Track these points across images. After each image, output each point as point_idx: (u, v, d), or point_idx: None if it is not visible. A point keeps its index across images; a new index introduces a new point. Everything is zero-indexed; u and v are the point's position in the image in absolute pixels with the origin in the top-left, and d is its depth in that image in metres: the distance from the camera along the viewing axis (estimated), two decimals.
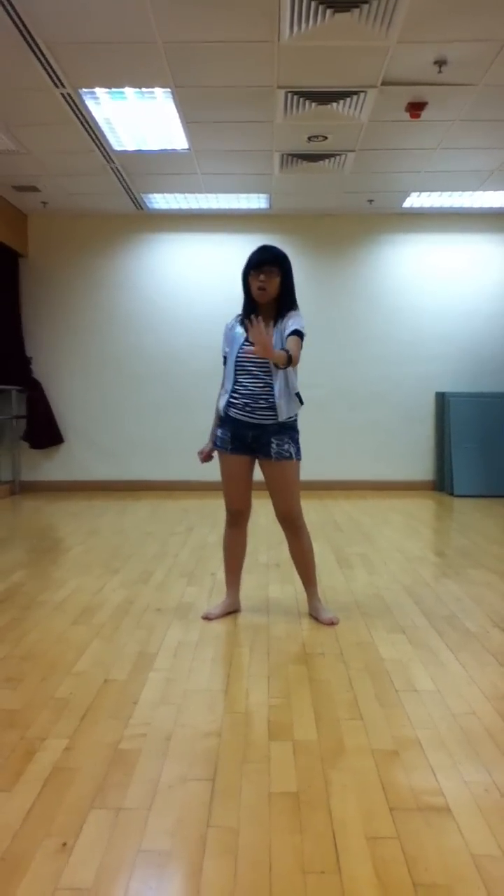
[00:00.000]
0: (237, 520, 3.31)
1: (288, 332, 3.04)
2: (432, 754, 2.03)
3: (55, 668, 2.70)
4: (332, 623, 3.21)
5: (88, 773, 1.93)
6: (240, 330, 3.17)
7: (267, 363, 3.07)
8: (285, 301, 3.12)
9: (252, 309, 3.14)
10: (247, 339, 3.11)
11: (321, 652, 2.86)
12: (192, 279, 7.82)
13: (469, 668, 2.69)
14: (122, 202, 7.26)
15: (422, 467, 7.96)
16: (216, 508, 6.42)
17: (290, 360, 2.94)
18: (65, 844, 1.63)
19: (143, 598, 3.64)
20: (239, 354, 3.12)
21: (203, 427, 7.54)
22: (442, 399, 7.75)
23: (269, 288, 3.05)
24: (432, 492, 7.79)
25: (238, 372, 3.13)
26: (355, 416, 7.86)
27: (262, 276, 3.03)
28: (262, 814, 1.74)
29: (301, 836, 1.65)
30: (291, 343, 3.00)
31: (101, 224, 7.80)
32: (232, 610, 3.36)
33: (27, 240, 7.81)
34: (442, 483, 7.79)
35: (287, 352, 2.94)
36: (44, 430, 7.74)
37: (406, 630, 3.14)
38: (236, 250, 7.61)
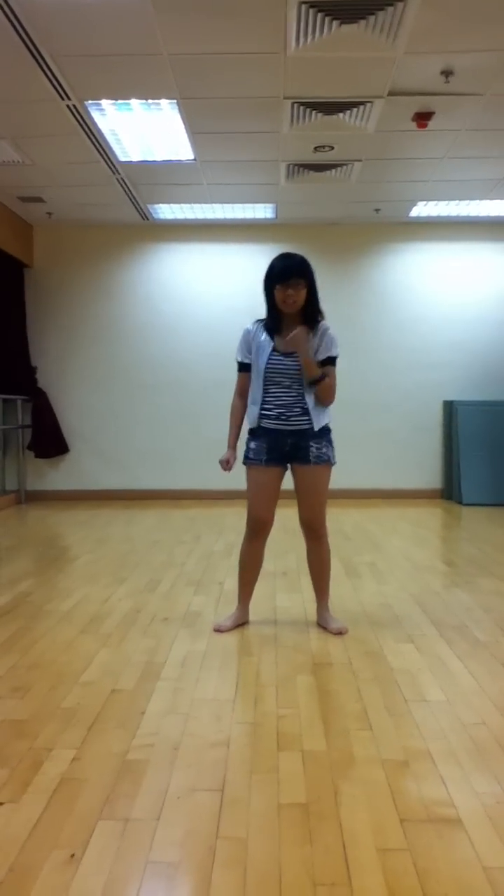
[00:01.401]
0: (260, 532, 3.25)
1: (326, 356, 3.06)
2: (443, 765, 2.01)
3: (63, 677, 2.69)
4: (340, 633, 3.19)
5: (96, 784, 1.92)
6: (265, 338, 3.10)
7: (299, 375, 3.04)
8: (312, 307, 3.08)
9: (277, 319, 3.10)
10: (274, 349, 3.07)
11: (330, 662, 2.85)
12: (198, 289, 7.84)
13: (479, 677, 2.67)
14: (128, 213, 7.29)
15: (430, 476, 7.94)
16: (223, 517, 6.41)
17: (322, 383, 3.01)
18: (73, 856, 1.62)
19: (151, 608, 3.63)
20: (269, 365, 3.07)
21: (210, 435, 7.61)
22: (450, 407, 7.74)
23: (298, 300, 3.01)
24: (441, 500, 7.77)
25: (268, 383, 3.09)
26: (363, 425, 7.85)
27: (289, 291, 2.98)
28: (272, 825, 1.73)
29: (311, 848, 1.64)
30: (332, 376, 3.07)
31: (107, 234, 7.84)
32: (242, 622, 3.34)
33: (33, 250, 7.85)
34: (450, 492, 7.76)
35: (324, 374, 3.02)
36: (49, 440, 7.75)
37: (415, 639, 3.12)
38: (243, 260, 7.63)
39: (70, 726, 2.27)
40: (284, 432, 3.09)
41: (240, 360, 3.20)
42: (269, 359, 3.07)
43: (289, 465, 3.19)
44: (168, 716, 2.35)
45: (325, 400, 3.09)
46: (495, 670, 2.74)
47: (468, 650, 2.98)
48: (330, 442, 3.15)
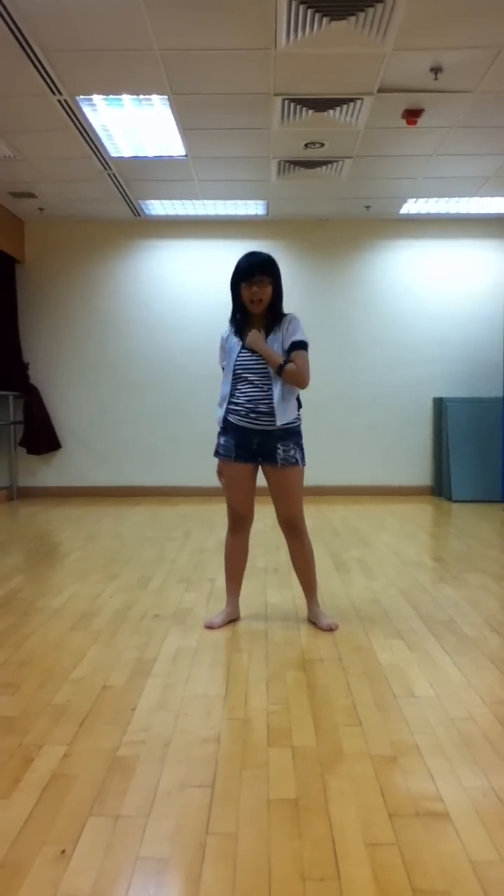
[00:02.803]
0: (241, 526, 3.30)
1: (290, 341, 3.06)
2: (431, 760, 2.03)
3: (53, 674, 2.69)
4: (330, 628, 3.21)
5: (87, 780, 1.93)
6: (235, 340, 3.16)
7: (266, 371, 3.07)
8: (277, 307, 3.12)
9: (245, 319, 3.14)
10: (243, 347, 3.11)
11: (320, 657, 2.86)
12: (189, 285, 7.83)
13: (467, 672, 2.69)
14: (120, 208, 7.27)
15: (419, 472, 7.97)
16: (213, 514, 6.42)
17: (286, 369, 3.00)
18: (63, 852, 1.62)
19: (142, 604, 3.63)
20: (237, 363, 3.12)
21: (200, 431, 7.62)
22: (439, 404, 7.76)
23: (263, 298, 3.05)
24: (430, 496, 7.80)
25: (236, 380, 3.13)
26: (352, 421, 7.87)
27: (254, 288, 3.02)
28: (262, 820, 1.74)
29: (300, 843, 1.65)
30: (299, 360, 3.05)
31: (99, 230, 7.82)
32: (233, 618, 3.35)
33: (24, 246, 7.82)
34: (440, 488, 7.79)
35: (285, 360, 3.00)
36: (41, 436, 7.73)
37: (404, 635, 3.14)
38: (233, 256, 7.49)
39: (60, 723, 2.28)
40: (251, 431, 3.11)
41: (220, 364, 3.25)
42: (238, 356, 3.12)
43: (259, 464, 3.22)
44: (158, 712, 2.36)
45: (296, 384, 3.07)
46: (483, 665, 2.77)
47: (456, 645, 3.00)
48: (298, 444, 3.16)
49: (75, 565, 4.52)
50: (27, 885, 1.51)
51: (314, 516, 6.35)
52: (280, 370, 3.03)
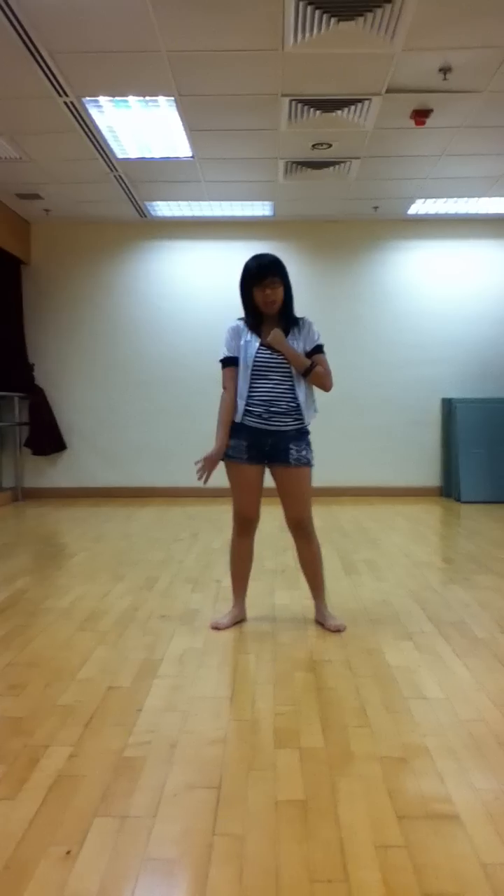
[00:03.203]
0: (247, 529, 3.28)
1: (313, 345, 3.12)
2: (441, 761, 2.01)
3: (60, 674, 2.68)
4: (338, 630, 3.19)
5: (93, 781, 1.92)
6: (250, 336, 3.11)
7: (288, 370, 3.06)
8: (289, 308, 3.13)
9: (257, 320, 3.12)
10: (261, 345, 3.08)
11: (328, 659, 2.84)
12: (195, 286, 7.83)
13: (477, 674, 2.67)
14: (126, 210, 7.28)
15: (428, 473, 7.94)
16: (221, 514, 6.40)
17: (314, 371, 3.06)
18: (69, 852, 1.61)
19: (149, 605, 3.62)
20: (256, 360, 3.08)
21: (208, 432, 7.56)
22: (448, 405, 7.73)
23: (277, 299, 3.04)
24: (439, 497, 7.77)
25: (255, 378, 3.08)
26: (361, 422, 7.85)
27: (268, 290, 3.01)
28: (269, 822, 1.72)
29: (308, 845, 1.63)
30: (324, 363, 3.12)
31: (104, 232, 7.82)
32: (240, 619, 3.34)
33: (30, 247, 7.84)
34: (449, 489, 7.76)
35: (313, 363, 3.07)
36: (47, 437, 7.74)
37: (413, 636, 3.12)
38: (240, 257, 7.48)
39: (67, 723, 2.27)
40: (265, 432, 3.09)
41: (228, 354, 3.15)
42: (257, 354, 3.08)
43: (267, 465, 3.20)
44: (165, 713, 2.34)
45: (322, 386, 3.14)
46: (493, 667, 2.74)
47: (466, 647, 2.97)
48: (308, 444, 3.17)
49: (82, 566, 4.51)
50: (33, 885, 1.50)
51: (323, 517, 6.33)
52: (307, 372, 3.06)
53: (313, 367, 3.07)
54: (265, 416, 3.07)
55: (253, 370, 3.09)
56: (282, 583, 4.04)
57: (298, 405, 3.08)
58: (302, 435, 3.13)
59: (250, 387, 3.10)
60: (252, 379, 3.09)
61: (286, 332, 3.08)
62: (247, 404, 3.10)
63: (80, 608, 3.57)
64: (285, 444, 3.09)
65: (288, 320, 3.11)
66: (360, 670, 2.71)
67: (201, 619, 3.37)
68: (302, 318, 3.15)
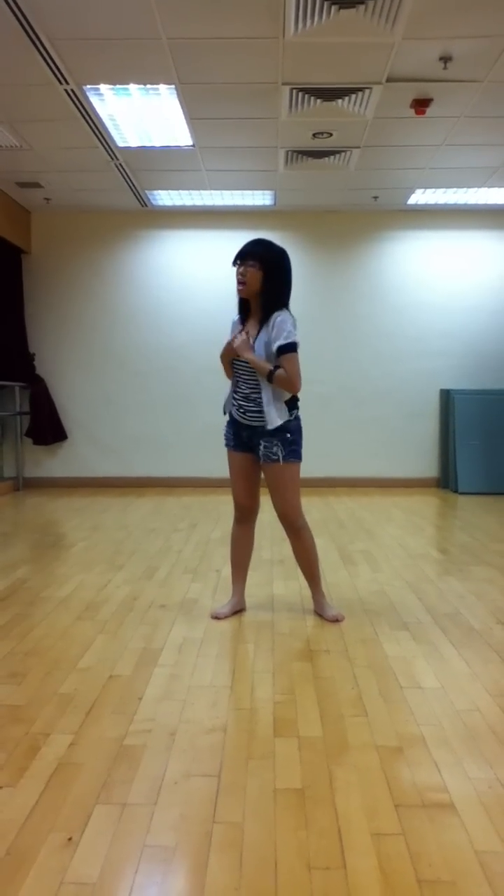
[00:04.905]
0: (245, 516, 3.31)
1: (276, 346, 2.95)
2: (436, 751, 2.03)
3: (59, 663, 2.71)
4: (336, 620, 3.21)
5: (93, 769, 1.94)
6: (237, 330, 3.16)
7: (254, 372, 3.05)
8: (269, 299, 3.02)
9: (243, 305, 3.16)
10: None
11: (326, 649, 2.86)
12: (196, 276, 7.82)
13: (472, 664, 2.70)
14: (126, 199, 7.26)
15: (426, 464, 7.95)
16: (219, 504, 6.42)
17: (276, 375, 2.96)
18: (70, 839, 1.63)
19: (148, 595, 3.64)
20: (234, 358, 3.12)
21: (206, 423, 7.63)
22: (446, 396, 7.74)
23: (247, 282, 2.99)
24: (436, 489, 7.79)
25: (235, 373, 3.16)
26: (359, 413, 7.86)
27: (241, 269, 3.02)
28: (267, 810, 1.75)
29: (306, 832, 1.66)
30: (288, 365, 2.94)
31: (105, 221, 7.80)
32: (239, 609, 3.36)
33: (30, 236, 7.82)
34: (446, 480, 7.78)
35: (274, 368, 2.96)
36: (47, 427, 7.74)
37: (410, 627, 3.14)
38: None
39: (67, 712, 2.29)
40: (242, 425, 3.16)
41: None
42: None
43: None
44: (165, 702, 2.37)
45: (286, 389, 3.00)
46: (488, 657, 2.77)
47: (462, 637, 3.00)
48: (283, 441, 3.05)
49: (81, 556, 4.53)
50: (34, 871, 1.52)
51: (320, 508, 6.35)
52: (270, 376, 2.97)
53: (275, 372, 2.96)
54: (241, 410, 3.14)
55: (233, 366, 3.15)
56: (280, 573, 4.06)
57: (263, 406, 3.03)
58: (274, 432, 3.03)
59: (234, 381, 3.17)
60: (234, 374, 3.16)
61: (261, 323, 3.05)
62: (231, 396, 3.20)
63: (80, 597, 3.59)
64: (257, 439, 3.11)
65: (266, 310, 3.03)
66: (358, 660, 2.74)
67: (200, 609, 3.39)
68: (276, 313, 2.99)
